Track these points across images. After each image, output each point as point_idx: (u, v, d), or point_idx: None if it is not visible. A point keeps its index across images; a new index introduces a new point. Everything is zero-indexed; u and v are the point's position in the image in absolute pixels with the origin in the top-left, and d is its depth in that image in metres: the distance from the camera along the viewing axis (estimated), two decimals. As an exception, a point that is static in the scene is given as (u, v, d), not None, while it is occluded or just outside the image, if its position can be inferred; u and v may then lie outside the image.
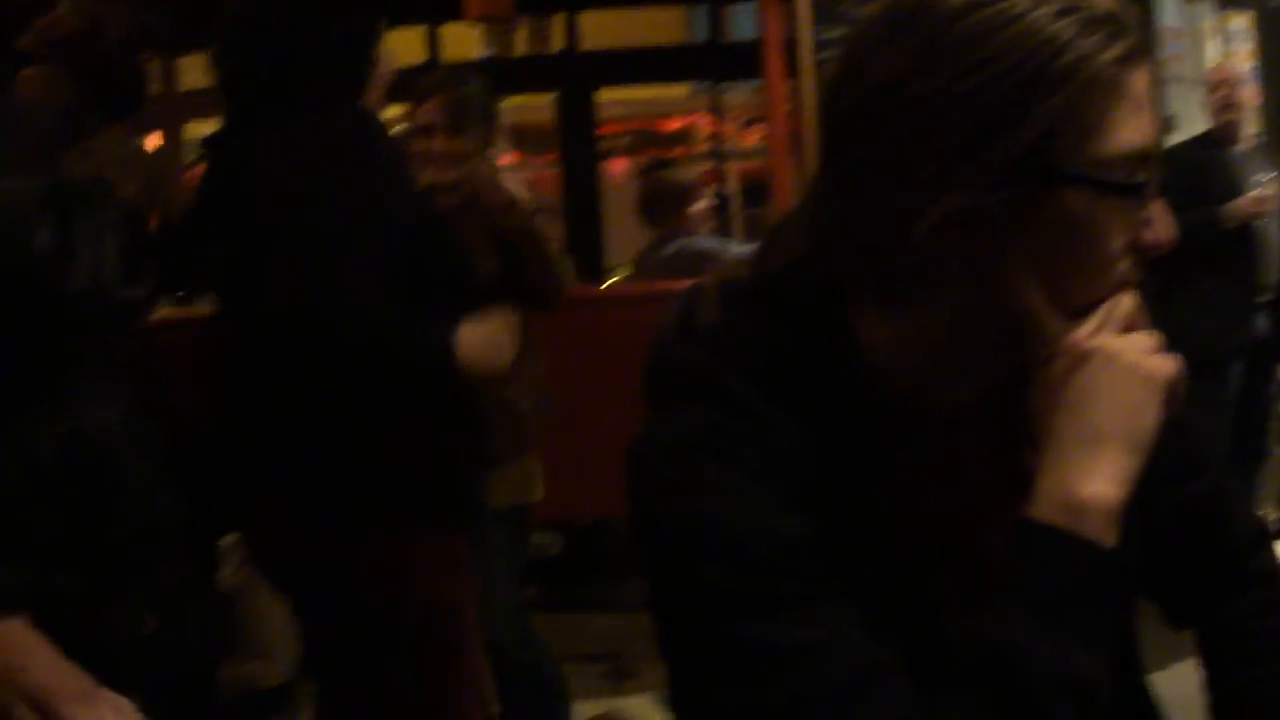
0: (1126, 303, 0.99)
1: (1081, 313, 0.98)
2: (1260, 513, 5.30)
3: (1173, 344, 1.00)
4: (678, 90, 9.75)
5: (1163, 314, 1.02)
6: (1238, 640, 1.31)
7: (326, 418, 2.27)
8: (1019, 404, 1.03)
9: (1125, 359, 0.96)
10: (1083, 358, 0.96)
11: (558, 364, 3.39)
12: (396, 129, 2.74)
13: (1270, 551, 1.39)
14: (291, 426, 2.30)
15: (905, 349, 1.03)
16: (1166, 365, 0.98)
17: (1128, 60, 0.95)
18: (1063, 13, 0.94)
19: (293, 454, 2.32)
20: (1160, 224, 0.99)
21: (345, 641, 2.54)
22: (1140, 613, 1.19)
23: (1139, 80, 0.96)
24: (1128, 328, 0.98)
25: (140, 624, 1.57)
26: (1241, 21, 7.15)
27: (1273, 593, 1.33)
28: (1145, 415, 0.97)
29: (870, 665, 0.95)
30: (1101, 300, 0.99)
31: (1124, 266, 0.99)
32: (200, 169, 3.94)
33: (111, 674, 1.41)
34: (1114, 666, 0.98)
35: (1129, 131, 0.95)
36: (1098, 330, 0.97)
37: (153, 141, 6.38)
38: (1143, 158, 0.96)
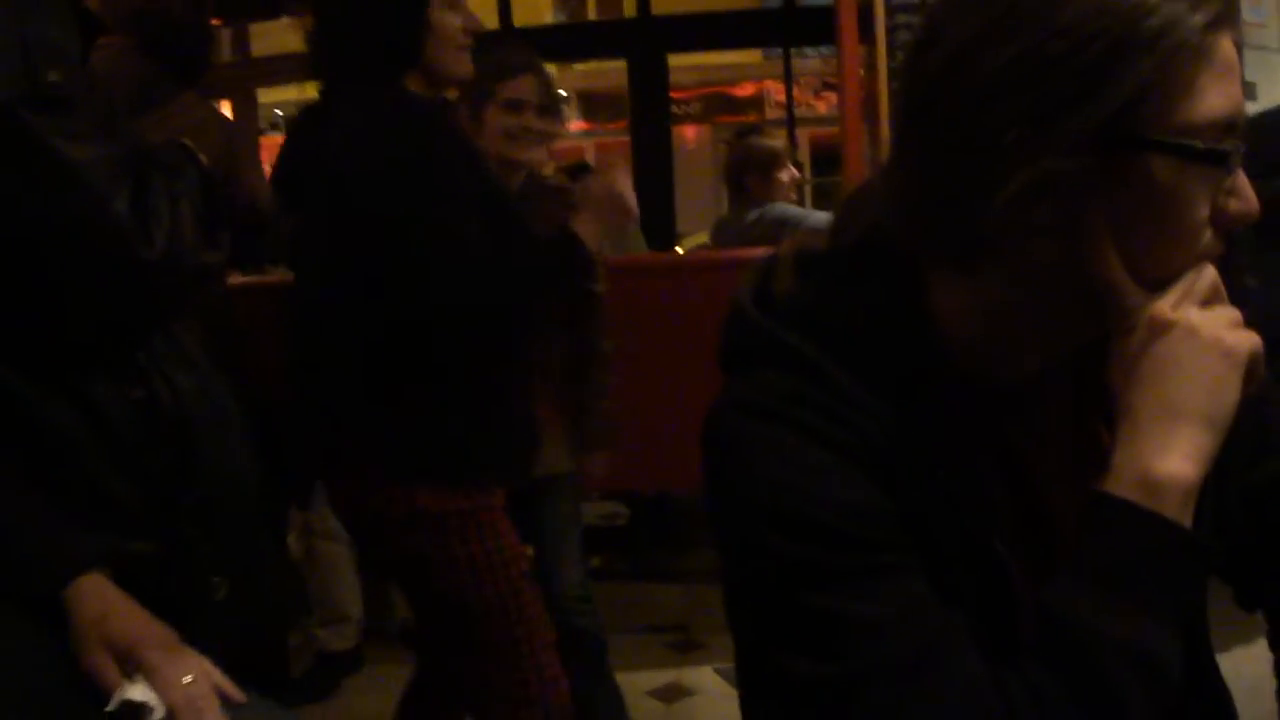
0: (1208, 276, 0.97)
1: (1162, 285, 0.96)
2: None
3: (1252, 321, 0.98)
4: (750, 56, 9.70)
5: (1243, 289, 1.00)
6: None
7: (399, 380, 2.33)
8: (1095, 375, 1.01)
9: (1206, 333, 0.94)
10: (1162, 330, 0.95)
11: (627, 333, 3.39)
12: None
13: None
14: (365, 389, 2.35)
15: (981, 318, 1.02)
16: (1248, 340, 0.96)
17: (1214, 25, 0.93)
18: None
19: (364, 414, 2.37)
20: (1245, 194, 0.97)
21: (418, 606, 2.61)
22: (1212, 592, 1.18)
23: (1226, 46, 0.94)
24: (1208, 301, 0.96)
25: (212, 589, 1.59)
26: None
27: None
28: (1226, 392, 0.95)
29: (941, 636, 0.94)
30: (1182, 272, 0.97)
31: (1207, 237, 0.97)
32: (276, 136, 3.98)
33: (183, 638, 1.43)
34: (1185, 646, 0.97)
35: (1216, 98, 0.93)
36: (1178, 302, 0.96)
37: (226, 108, 6.43)
38: (1229, 125, 0.94)
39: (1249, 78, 5.86)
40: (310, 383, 2.47)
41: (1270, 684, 1.30)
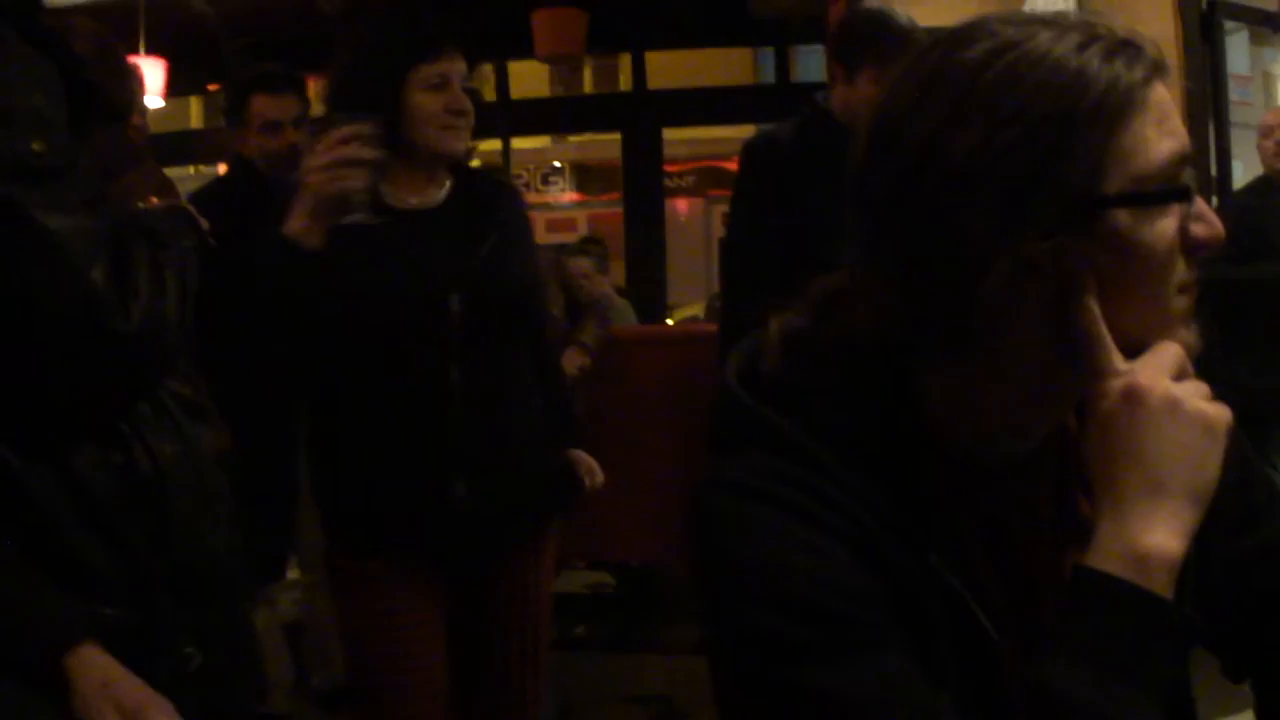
0: (1175, 349, 0.97)
1: (1136, 351, 0.97)
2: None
3: (1228, 397, 0.98)
4: (744, 130, 9.79)
5: (1217, 369, 1.00)
6: None
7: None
8: (1074, 445, 1.01)
9: (1189, 406, 0.94)
10: (1141, 399, 0.94)
11: (617, 404, 3.40)
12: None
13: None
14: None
15: (969, 404, 1.02)
16: (1226, 414, 0.96)
17: (1150, 78, 0.96)
18: (1083, 46, 0.95)
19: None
20: (1208, 219, 0.99)
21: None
22: (1198, 663, 1.16)
23: (1160, 90, 0.96)
24: (1179, 376, 0.97)
25: (185, 660, 1.58)
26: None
27: None
28: (1209, 466, 0.95)
29: (928, 714, 0.93)
30: (1162, 323, 0.98)
31: (1180, 270, 0.98)
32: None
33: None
34: (1169, 717, 0.96)
35: (1164, 142, 0.95)
36: (1154, 373, 0.96)
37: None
38: (1180, 161, 0.96)
39: (1235, 155, 5.93)
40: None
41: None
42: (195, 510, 1.64)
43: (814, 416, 1.01)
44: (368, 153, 2.15)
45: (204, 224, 1.66)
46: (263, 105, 3.66)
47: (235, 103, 3.75)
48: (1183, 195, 0.96)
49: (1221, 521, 1.03)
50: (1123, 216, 0.94)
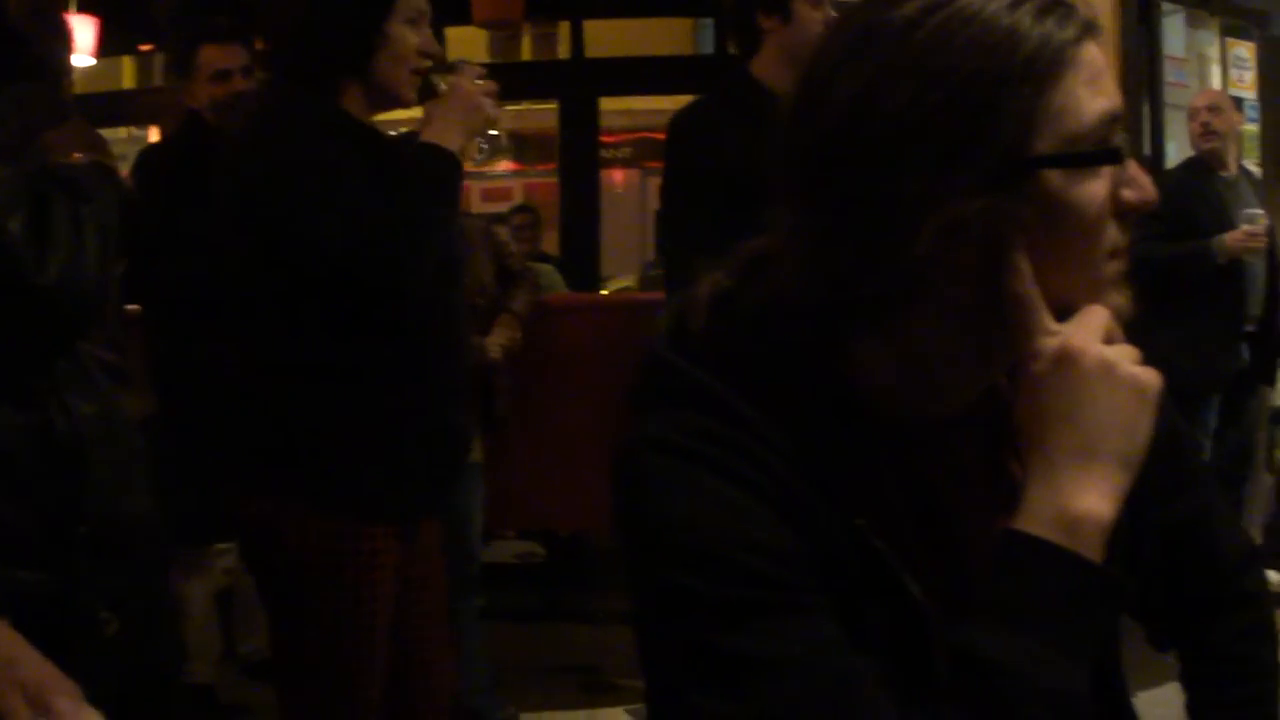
0: (1103, 313, 0.97)
1: (1066, 312, 0.96)
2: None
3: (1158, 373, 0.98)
4: (681, 101, 9.77)
5: (1149, 344, 1.00)
6: (1221, 663, 1.29)
7: (307, 410, 2.24)
8: (1006, 409, 1.00)
9: (1121, 370, 0.94)
10: (1073, 362, 0.94)
11: (548, 373, 3.37)
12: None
13: (1258, 573, 1.37)
14: (269, 420, 2.28)
15: (897, 364, 1.01)
16: (1157, 378, 0.96)
17: (1081, 37, 0.95)
18: (1014, 5, 0.94)
19: (266, 447, 2.29)
20: (1140, 183, 0.98)
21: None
22: (1126, 633, 1.17)
23: (1091, 49, 0.96)
24: (1109, 339, 0.96)
25: (101, 624, 1.54)
26: (1245, 50, 7.15)
27: (1258, 615, 1.31)
28: (1139, 430, 0.94)
29: (851, 678, 0.92)
30: (1092, 285, 0.97)
31: (1111, 233, 0.97)
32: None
33: (69, 674, 1.39)
34: (1098, 685, 0.96)
35: (1095, 102, 0.95)
36: (1085, 336, 0.95)
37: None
38: (1112, 121, 0.95)
39: (1169, 136, 6.00)
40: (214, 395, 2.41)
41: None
42: (113, 472, 1.60)
43: (742, 377, 1.00)
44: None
45: (124, 179, 1.62)
46: (211, 55, 3.70)
47: (183, 54, 3.78)
48: (1114, 157, 0.95)
49: (1150, 488, 1.03)
50: (1054, 177, 0.93)
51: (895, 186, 0.92)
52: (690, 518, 0.94)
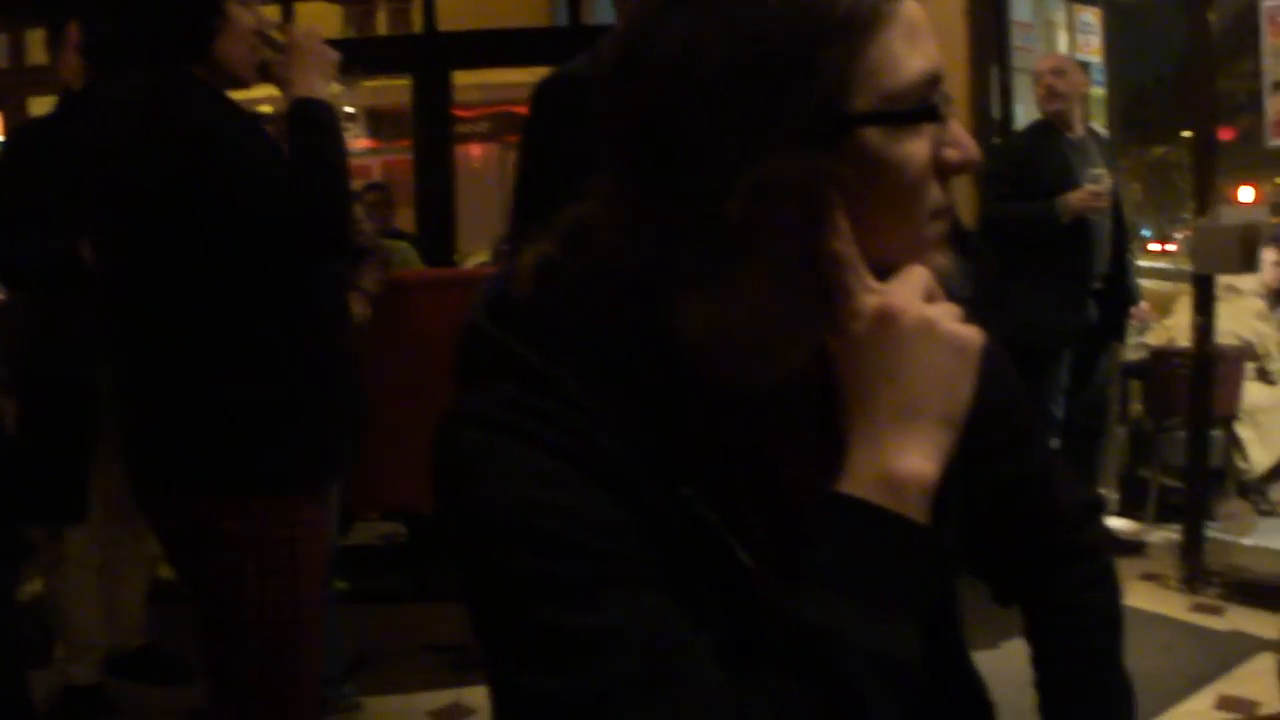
0: (923, 272, 0.96)
1: (886, 273, 0.95)
2: (1100, 492, 5.48)
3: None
4: (538, 74, 9.71)
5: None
6: (1063, 615, 1.31)
7: (202, 389, 2.21)
8: (832, 373, 0.99)
9: (942, 328, 0.93)
10: (892, 321, 0.93)
11: (404, 349, 3.31)
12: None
13: (1099, 525, 1.40)
14: (186, 420, 2.24)
15: (722, 329, 0.99)
16: (978, 335, 0.95)
17: None
18: None
19: (166, 429, 2.26)
20: (963, 142, 0.97)
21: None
22: (970, 590, 1.18)
23: (910, 6, 0.94)
24: (930, 297, 0.95)
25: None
26: (1092, 15, 7.30)
27: (1098, 566, 1.33)
28: (961, 388, 0.94)
29: (680, 650, 0.90)
30: (913, 245, 0.96)
31: (933, 193, 0.96)
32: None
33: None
34: (936, 645, 0.96)
35: (914, 59, 0.93)
36: (906, 295, 0.94)
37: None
38: (932, 81, 0.94)
39: (1017, 99, 6.11)
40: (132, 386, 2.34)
41: (1030, 677, 1.32)
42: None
43: (564, 347, 0.97)
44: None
45: None
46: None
47: (56, 28, 3.70)
48: (932, 115, 0.94)
49: (986, 446, 1.03)
50: (872, 135, 0.91)
51: (711, 148, 0.90)
52: (504, 491, 0.92)
